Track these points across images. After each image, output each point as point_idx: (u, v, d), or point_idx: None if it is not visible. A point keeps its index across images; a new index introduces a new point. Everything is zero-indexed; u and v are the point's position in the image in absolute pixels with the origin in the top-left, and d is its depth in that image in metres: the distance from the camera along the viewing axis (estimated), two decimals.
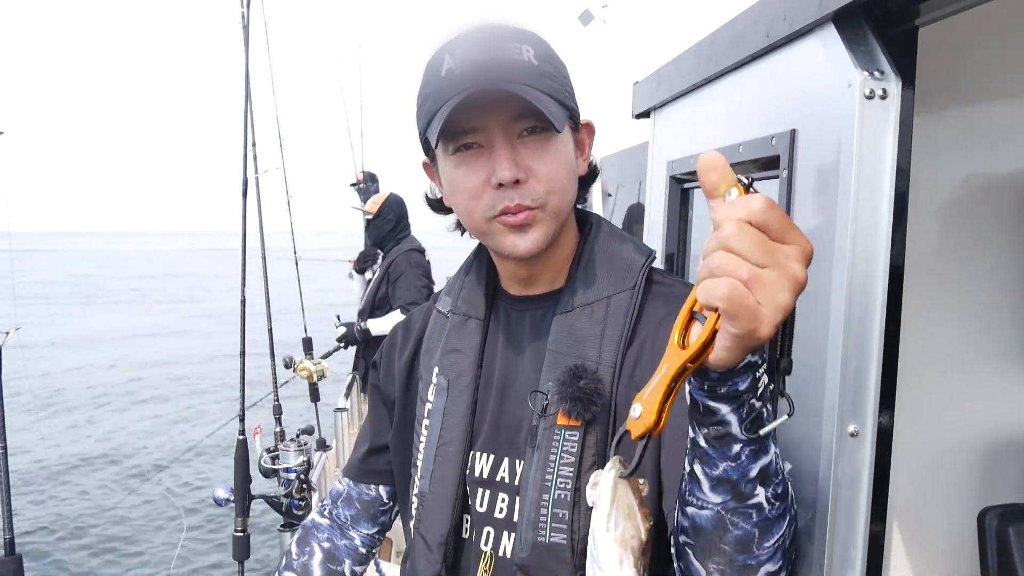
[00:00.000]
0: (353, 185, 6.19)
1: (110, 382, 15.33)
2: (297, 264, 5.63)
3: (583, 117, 1.14)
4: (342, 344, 5.05)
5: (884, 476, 0.98)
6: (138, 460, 10.52)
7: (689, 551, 0.86)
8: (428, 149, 1.14)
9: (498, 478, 1.12)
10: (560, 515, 1.00)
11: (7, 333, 2.30)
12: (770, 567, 0.84)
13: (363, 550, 1.40)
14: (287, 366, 4.54)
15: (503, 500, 1.11)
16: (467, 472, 1.14)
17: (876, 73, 0.89)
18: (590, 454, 1.01)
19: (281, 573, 1.37)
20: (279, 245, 4.64)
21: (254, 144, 3.70)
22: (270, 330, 4.10)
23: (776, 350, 0.77)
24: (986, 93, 1.50)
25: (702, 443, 0.79)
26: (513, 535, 1.08)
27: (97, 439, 11.54)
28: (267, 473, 3.30)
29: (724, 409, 0.76)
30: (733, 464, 0.78)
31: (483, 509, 1.12)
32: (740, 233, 0.67)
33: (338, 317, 5.10)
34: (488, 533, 1.12)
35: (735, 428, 0.76)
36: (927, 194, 1.50)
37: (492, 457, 1.13)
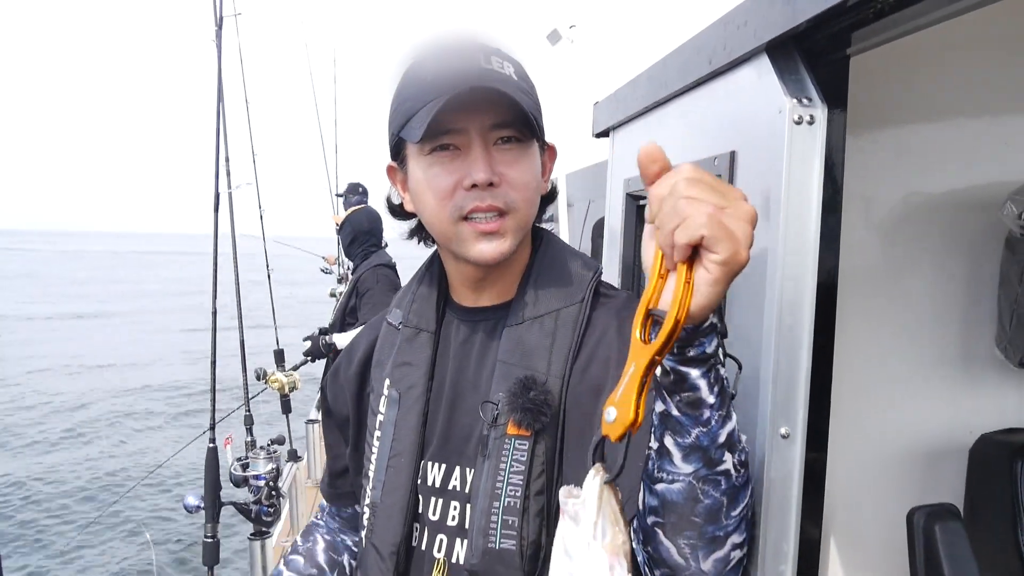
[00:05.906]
0: (339, 195, 6.17)
1: (81, 390, 15.14)
2: (269, 277, 5.65)
3: (548, 139, 1.17)
4: (309, 358, 4.98)
5: (820, 478, 1.04)
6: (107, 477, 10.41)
7: (659, 531, 0.88)
8: (396, 152, 1.15)
9: (450, 486, 1.13)
10: (510, 522, 1.02)
11: None
12: (736, 538, 0.87)
13: (356, 549, 1.44)
14: (259, 378, 4.53)
15: (455, 508, 1.12)
16: (419, 481, 1.15)
17: (804, 100, 0.95)
18: (539, 463, 1.03)
19: (288, 557, 1.43)
20: (251, 249, 4.64)
21: (227, 159, 3.71)
22: (242, 341, 4.11)
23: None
24: (919, 116, 1.57)
25: (674, 412, 0.82)
26: (466, 542, 1.09)
27: (65, 451, 11.40)
28: (238, 482, 3.32)
29: (694, 373, 0.80)
30: (704, 429, 0.81)
31: (435, 517, 1.14)
32: (692, 183, 0.72)
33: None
34: (441, 540, 1.13)
35: (705, 392, 0.80)
36: (864, 213, 1.57)
37: (444, 466, 1.14)
